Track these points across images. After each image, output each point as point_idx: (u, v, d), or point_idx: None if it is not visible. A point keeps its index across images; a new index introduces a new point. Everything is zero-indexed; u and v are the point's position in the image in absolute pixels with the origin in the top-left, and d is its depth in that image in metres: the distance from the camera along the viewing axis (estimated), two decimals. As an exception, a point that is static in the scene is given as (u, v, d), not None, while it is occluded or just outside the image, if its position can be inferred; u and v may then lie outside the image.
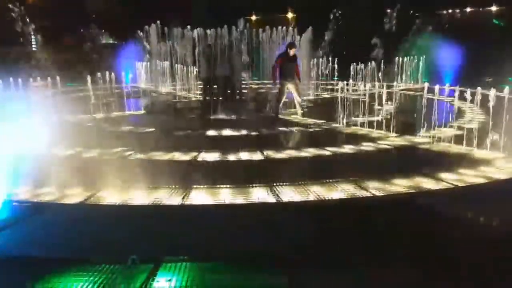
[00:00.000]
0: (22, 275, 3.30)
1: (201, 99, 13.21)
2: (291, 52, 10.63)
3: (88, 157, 6.94)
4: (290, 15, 46.49)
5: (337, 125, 9.29)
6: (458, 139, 7.28)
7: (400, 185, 5.18)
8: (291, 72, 10.60)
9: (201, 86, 13.25)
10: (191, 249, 3.69)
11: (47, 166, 6.48)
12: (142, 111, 12.01)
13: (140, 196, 4.97)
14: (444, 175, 5.48)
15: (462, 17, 46.20)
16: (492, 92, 6.68)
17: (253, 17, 46.65)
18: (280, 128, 9.20)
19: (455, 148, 6.84)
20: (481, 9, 43.66)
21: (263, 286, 3.15)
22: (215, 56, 12.52)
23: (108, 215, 4.57)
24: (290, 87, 10.66)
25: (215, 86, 12.55)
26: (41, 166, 6.46)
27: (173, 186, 5.22)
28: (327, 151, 6.98)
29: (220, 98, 12.91)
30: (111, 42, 45.66)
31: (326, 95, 14.76)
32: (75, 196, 5.01)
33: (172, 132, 9.01)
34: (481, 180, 5.29)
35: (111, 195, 5.00)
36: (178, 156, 6.90)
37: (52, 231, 4.26)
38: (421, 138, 7.66)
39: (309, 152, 6.98)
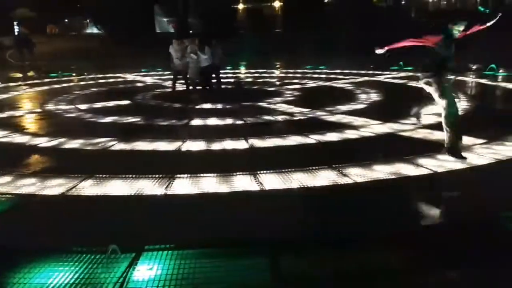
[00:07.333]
0: (2, 265, 3.30)
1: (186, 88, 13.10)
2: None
3: (70, 148, 6.90)
4: (277, 3, 46.28)
5: (322, 113, 9.33)
6: (439, 126, 7.40)
7: (381, 171, 5.26)
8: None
9: (180, 76, 13.00)
10: (173, 237, 3.73)
11: (28, 157, 6.45)
12: (128, 102, 11.90)
13: (122, 186, 4.97)
14: (423, 161, 5.58)
15: (448, 4, 46.46)
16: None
17: (241, 6, 46.37)
18: (266, 117, 9.22)
19: (435, 135, 6.93)
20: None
21: (245, 271, 3.19)
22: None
23: (90, 206, 4.57)
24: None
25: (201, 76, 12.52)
26: (22, 157, 6.43)
27: (156, 176, 5.24)
28: (311, 139, 7.04)
29: (207, 88, 12.89)
30: (96, 32, 45.08)
31: (312, 84, 14.79)
32: (56, 187, 4.99)
33: (157, 122, 8.98)
34: (460, 166, 5.39)
35: (92, 186, 4.99)
36: (162, 146, 6.90)
37: (33, 222, 4.26)
38: (403, 125, 7.75)
39: (294, 140, 7.03)
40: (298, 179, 5.05)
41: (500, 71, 14.22)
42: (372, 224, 3.99)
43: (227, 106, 10.71)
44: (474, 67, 16.40)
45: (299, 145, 6.79)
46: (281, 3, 44.60)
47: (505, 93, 11.37)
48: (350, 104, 10.30)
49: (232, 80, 16.26)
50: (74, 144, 7.11)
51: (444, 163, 5.48)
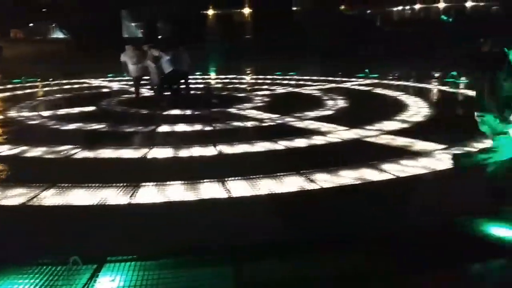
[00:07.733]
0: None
1: (153, 94, 12.95)
2: None
3: (32, 156, 6.69)
4: (247, 10, 46.55)
5: (291, 119, 9.43)
6: (402, 132, 7.66)
7: (346, 176, 5.37)
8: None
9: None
10: (136, 248, 3.67)
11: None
12: (93, 108, 11.65)
13: (85, 195, 4.86)
14: (387, 166, 5.73)
15: (412, 13, 48.09)
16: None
17: (210, 11, 46.37)
18: (235, 123, 9.22)
19: (398, 141, 7.14)
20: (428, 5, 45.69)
21: (207, 280, 3.17)
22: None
23: (51, 217, 4.44)
24: None
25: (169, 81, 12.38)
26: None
27: (120, 185, 5.15)
28: (280, 145, 7.10)
29: (174, 93, 12.76)
30: (62, 36, 44.05)
31: (281, 90, 14.91)
32: (16, 197, 4.83)
33: (123, 128, 8.83)
34: (421, 171, 5.57)
35: (54, 196, 4.85)
36: (127, 153, 6.78)
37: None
38: (368, 131, 7.93)
39: (262, 146, 7.07)
40: (266, 186, 5.08)
41: (461, 78, 14.76)
42: (339, 228, 4.05)
43: (196, 112, 10.65)
44: (436, 75, 16.97)
45: (268, 151, 6.83)
46: (251, 10, 44.89)
47: (465, 99, 11.81)
48: (318, 110, 10.44)
49: (201, 86, 16.19)
50: (36, 152, 6.90)
51: (406, 168, 5.65)
